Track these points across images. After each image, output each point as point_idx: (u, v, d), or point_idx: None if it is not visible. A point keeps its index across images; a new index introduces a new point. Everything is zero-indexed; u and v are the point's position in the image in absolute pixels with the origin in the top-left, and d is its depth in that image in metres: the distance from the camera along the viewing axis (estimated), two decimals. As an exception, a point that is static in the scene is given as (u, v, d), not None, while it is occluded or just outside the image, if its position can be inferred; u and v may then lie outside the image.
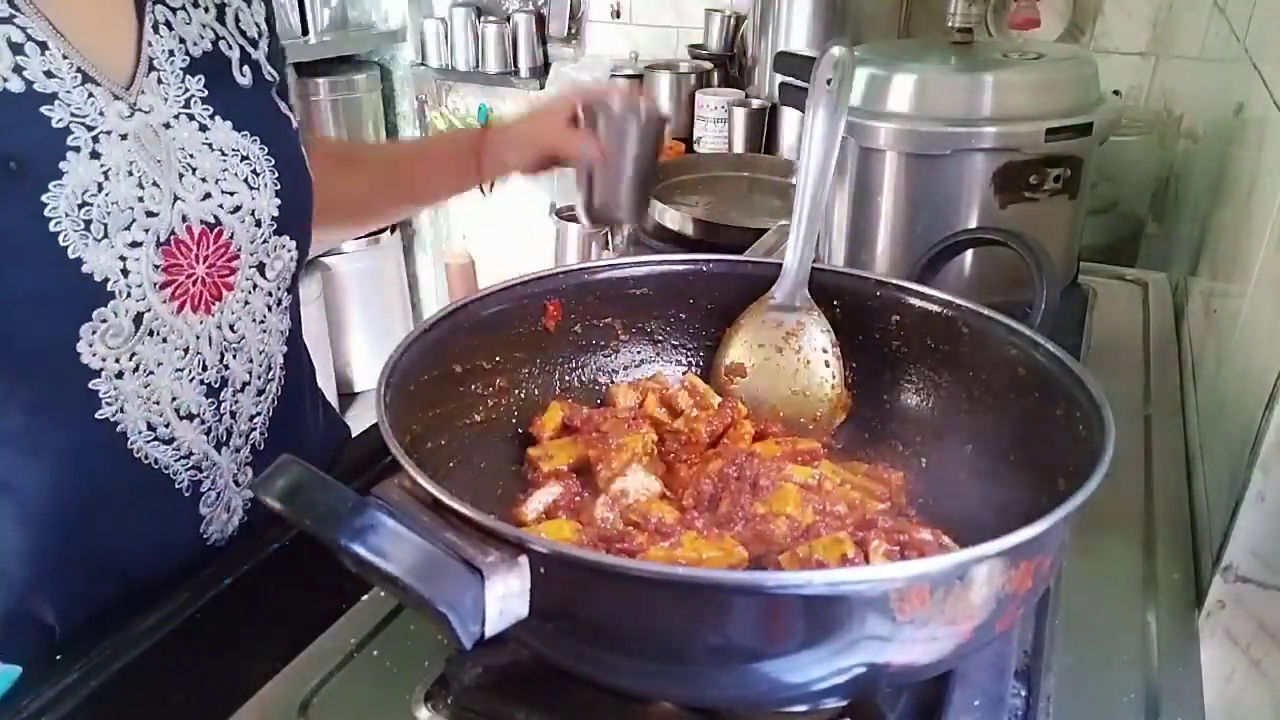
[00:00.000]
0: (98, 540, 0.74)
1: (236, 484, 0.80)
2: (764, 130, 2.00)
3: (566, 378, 0.72)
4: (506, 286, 0.67)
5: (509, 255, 2.97)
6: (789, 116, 1.95)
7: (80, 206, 0.65)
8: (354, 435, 1.00)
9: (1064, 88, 0.93)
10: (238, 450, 0.79)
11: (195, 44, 0.74)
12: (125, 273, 0.68)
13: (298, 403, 0.87)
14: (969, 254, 0.93)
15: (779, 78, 1.04)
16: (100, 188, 0.66)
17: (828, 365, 0.71)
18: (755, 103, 2.01)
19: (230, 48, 0.76)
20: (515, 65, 2.66)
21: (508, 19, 2.63)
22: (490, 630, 0.41)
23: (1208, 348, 0.88)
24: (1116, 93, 1.00)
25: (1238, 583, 0.62)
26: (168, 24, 0.73)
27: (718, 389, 0.73)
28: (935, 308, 0.67)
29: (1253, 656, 0.64)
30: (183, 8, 0.74)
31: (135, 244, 0.68)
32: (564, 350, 0.72)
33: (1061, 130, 0.90)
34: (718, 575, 0.46)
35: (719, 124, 2.04)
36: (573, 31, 2.59)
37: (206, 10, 0.76)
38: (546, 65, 2.66)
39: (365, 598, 0.63)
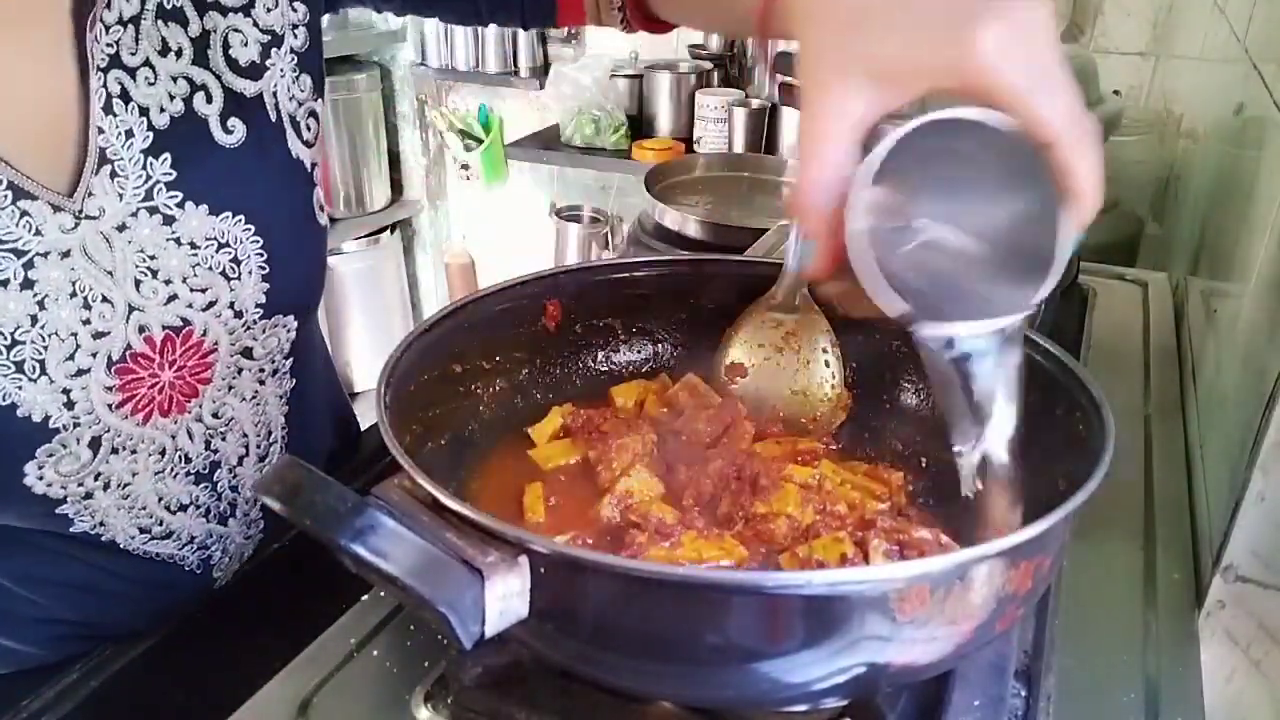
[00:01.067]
0: (104, 616, 0.71)
1: (248, 538, 0.76)
2: (764, 130, 2.00)
3: (567, 378, 0.72)
4: (506, 286, 0.67)
5: (509, 255, 2.97)
6: (789, 116, 1.95)
7: (10, 347, 0.55)
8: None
9: (1064, 88, 0.93)
10: (247, 514, 0.74)
11: (162, 110, 0.60)
12: (70, 405, 0.58)
13: (310, 438, 0.80)
14: (969, 254, 0.92)
15: (779, 78, 1.03)
16: (34, 320, 0.56)
17: (828, 365, 0.71)
18: (755, 103, 2.01)
19: (210, 100, 0.63)
20: (515, 65, 2.66)
21: (507, 19, 2.64)
22: (490, 630, 0.41)
23: (1208, 348, 0.88)
24: (1116, 93, 0.99)
25: (1238, 583, 0.62)
26: (123, 95, 0.59)
27: (718, 389, 0.73)
28: (935, 308, 0.67)
29: (1253, 656, 0.64)
30: (145, 63, 0.60)
31: (81, 372, 0.58)
32: (564, 350, 0.72)
33: (1061, 130, 0.90)
34: (718, 575, 0.46)
35: (719, 124, 2.04)
36: (573, 31, 2.58)
37: (179, 55, 0.61)
38: (546, 65, 2.66)
39: (365, 598, 0.63)
